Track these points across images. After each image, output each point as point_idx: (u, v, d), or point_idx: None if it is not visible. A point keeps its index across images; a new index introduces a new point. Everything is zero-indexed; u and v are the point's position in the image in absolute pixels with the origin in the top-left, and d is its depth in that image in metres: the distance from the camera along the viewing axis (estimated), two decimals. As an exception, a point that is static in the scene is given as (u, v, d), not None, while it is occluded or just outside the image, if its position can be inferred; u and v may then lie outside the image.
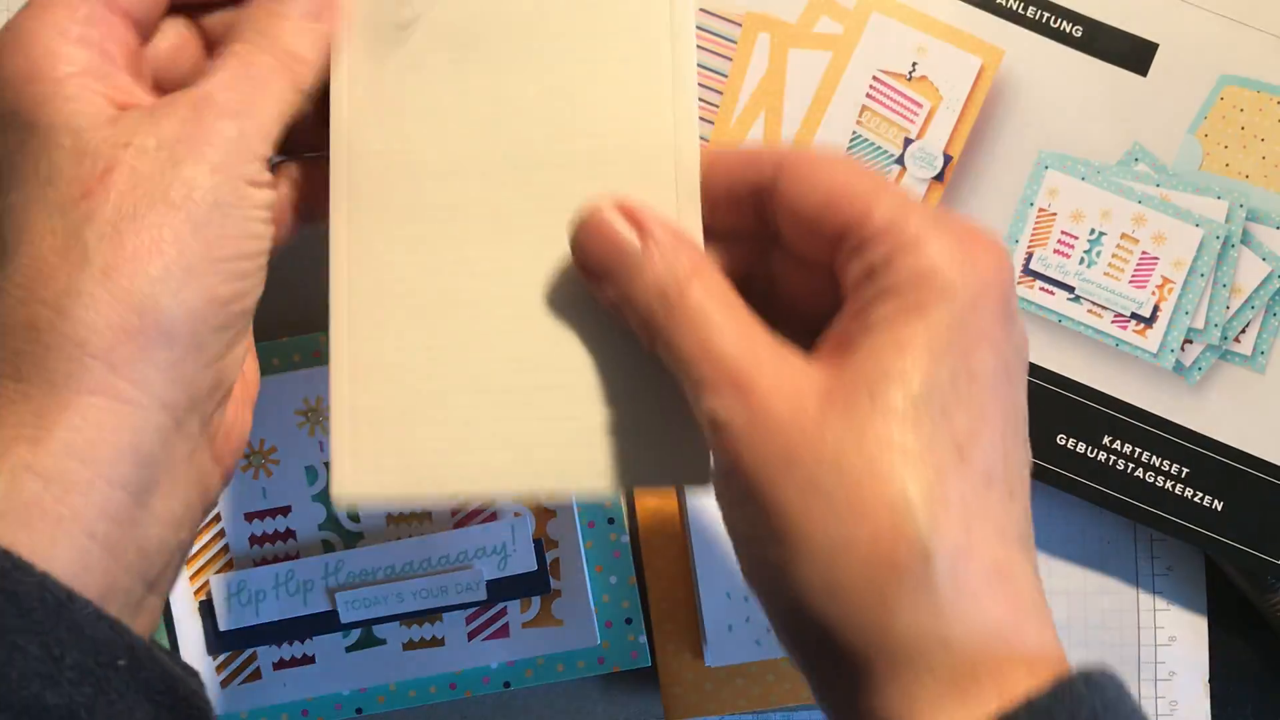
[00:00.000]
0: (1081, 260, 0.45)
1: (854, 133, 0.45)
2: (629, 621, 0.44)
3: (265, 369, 0.44)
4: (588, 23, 0.29)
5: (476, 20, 0.30)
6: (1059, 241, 0.45)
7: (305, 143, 0.30)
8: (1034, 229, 0.45)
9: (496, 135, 0.29)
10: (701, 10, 0.45)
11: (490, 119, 0.29)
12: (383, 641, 0.44)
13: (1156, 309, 0.45)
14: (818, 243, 0.27)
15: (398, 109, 0.29)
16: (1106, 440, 0.45)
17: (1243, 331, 0.45)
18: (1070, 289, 0.45)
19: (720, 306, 0.26)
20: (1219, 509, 0.45)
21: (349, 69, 0.29)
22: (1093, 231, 0.45)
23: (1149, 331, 0.45)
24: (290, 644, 0.44)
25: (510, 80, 0.29)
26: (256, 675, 0.44)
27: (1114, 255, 0.45)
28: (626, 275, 0.27)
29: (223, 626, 0.44)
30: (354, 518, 0.45)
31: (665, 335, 0.26)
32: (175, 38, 0.30)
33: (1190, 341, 0.45)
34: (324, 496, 0.44)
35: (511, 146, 0.29)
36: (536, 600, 0.44)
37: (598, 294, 0.28)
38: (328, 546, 0.44)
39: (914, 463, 0.24)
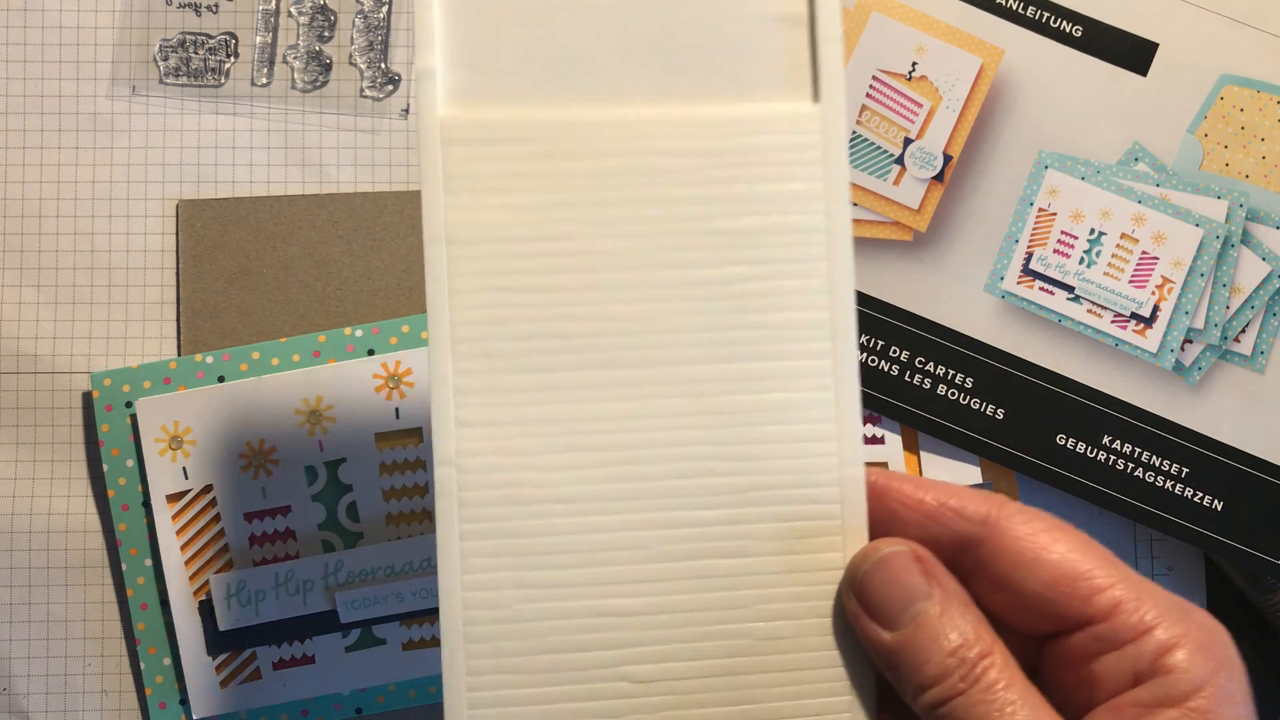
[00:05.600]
0: (1081, 260, 0.45)
1: (854, 133, 0.45)
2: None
3: (265, 369, 0.44)
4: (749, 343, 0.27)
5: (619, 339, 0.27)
6: (1059, 241, 0.45)
7: None
8: (1034, 229, 0.45)
9: (635, 462, 0.27)
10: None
11: (630, 444, 0.27)
12: (383, 641, 0.44)
13: (1156, 309, 0.45)
14: (1026, 613, 0.27)
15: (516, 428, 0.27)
16: (1106, 440, 0.45)
17: (1243, 331, 0.45)
18: (1070, 289, 0.45)
19: (1023, 690, 0.26)
20: (1219, 509, 0.45)
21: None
22: (1093, 231, 0.45)
23: (1149, 331, 0.45)
24: (290, 644, 0.44)
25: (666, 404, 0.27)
26: (256, 675, 0.44)
27: (1114, 255, 0.45)
28: (914, 625, 0.26)
29: (222, 626, 0.44)
30: (354, 518, 0.45)
31: (955, 702, 0.26)
32: None
33: (1190, 341, 0.45)
34: (324, 496, 0.44)
35: (651, 476, 0.27)
36: (536, 600, 0.44)
37: (867, 633, 0.27)
38: (328, 546, 0.44)
39: None
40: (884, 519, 0.28)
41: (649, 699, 0.27)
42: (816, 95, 0.27)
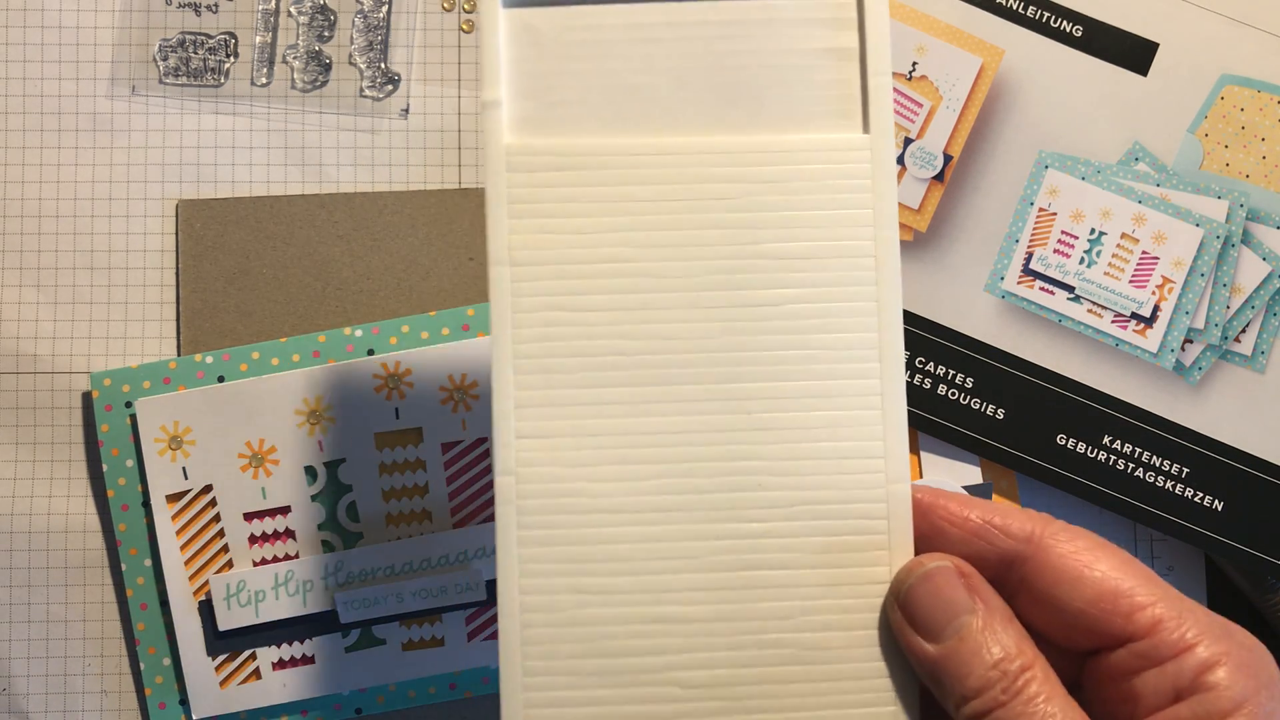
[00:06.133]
0: (1082, 260, 0.45)
1: (854, 132, 0.45)
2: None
3: (265, 369, 0.44)
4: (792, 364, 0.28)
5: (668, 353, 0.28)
6: (1059, 241, 0.45)
7: None
8: (1034, 229, 0.45)
9: (687, 475, 0.28)
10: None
11: (682, 457, 0.28)
12: (382, 641, 0.44)
13: (1156, 309, 0.45)
14: (1068, 629, 0.27)
15: (573, 443, 0.28)
16: (1106, 440, 0.45)
17: (1243, 331, 0.45)
18: (1070, 289, 0.45)
19: (1064, 704, 0.26)
20: (1219, 509, 0.45)
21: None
22: (1093, 231, 0.45)
23: (1149, 331, 0.45)
24: (290, 644, 0.44)
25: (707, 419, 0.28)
26: (256, 675, 0.44)
27: (1114, 255, 0.45)
28: (957, 638, 0.27)
29: (222, 627, 0.44)
30: (354, 518, 0.45)
31: (996, 714, 0.26)
32: None
33: (1190, 341, 0.45)
34: (323, 496, 0.44)
35: (703, 489, 0.28)
36: (536, 600, 0.44)
37: (911, 645, 0.28)
38: (328, 546, 0.44)
39: None
40: (929, 535, 0.28)
41: (697, 704, 0.27)
42: (867, 126, 0.28)
